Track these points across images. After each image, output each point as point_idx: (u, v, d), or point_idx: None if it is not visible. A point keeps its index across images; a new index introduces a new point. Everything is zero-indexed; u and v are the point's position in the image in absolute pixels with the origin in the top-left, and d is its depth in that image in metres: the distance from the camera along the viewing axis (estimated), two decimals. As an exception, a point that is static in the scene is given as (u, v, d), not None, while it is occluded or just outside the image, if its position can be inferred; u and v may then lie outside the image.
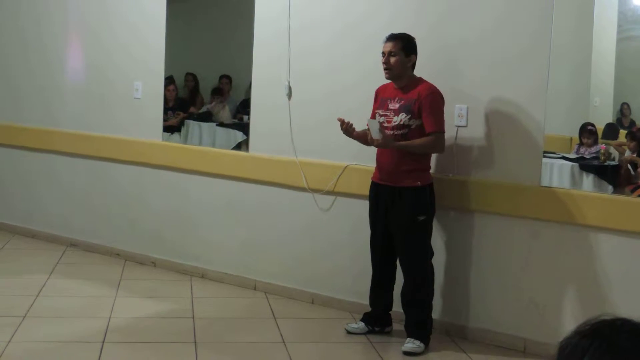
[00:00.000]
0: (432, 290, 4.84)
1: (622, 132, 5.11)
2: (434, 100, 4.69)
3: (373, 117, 4.84)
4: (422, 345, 4.73)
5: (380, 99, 4.85)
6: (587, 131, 5.08)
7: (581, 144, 5.09)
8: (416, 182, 4.70)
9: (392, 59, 4.71)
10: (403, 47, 4.71)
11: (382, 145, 4.68)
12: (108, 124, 6.64)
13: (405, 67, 4.73)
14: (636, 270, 4.49)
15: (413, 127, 4.69)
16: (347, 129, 4.79)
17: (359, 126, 4.87)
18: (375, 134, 4.64)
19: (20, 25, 7.18)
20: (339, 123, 4.81)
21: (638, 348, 0.89)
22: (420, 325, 4.78)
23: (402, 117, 4.70)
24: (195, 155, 6.16)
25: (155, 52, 6.34)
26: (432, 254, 4.83)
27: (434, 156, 4.95)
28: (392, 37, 4.74)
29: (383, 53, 4.75)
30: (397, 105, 4.74)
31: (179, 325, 5.04)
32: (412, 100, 4.69)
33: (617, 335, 0.93)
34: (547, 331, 4.68)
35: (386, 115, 4.77)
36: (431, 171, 4.85)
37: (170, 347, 4.69)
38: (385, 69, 4.74)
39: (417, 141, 4.68)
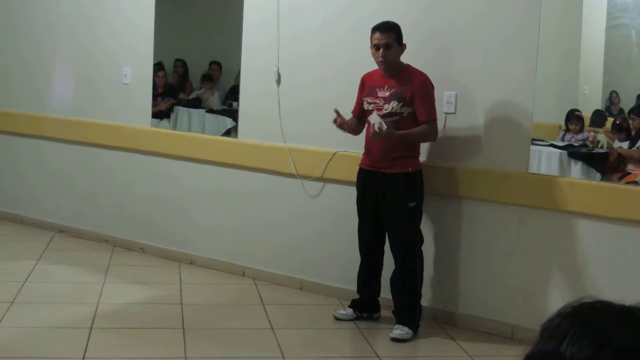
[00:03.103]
0: (422, 277, 4.85)
1: (610, 120, 5.12)
2: (426, 88, 4.70)
3: (359, 102, 4.86)
4: (410, 331, 4.74)
5: (368, 86, 4.84)
6: (575, 117, 5.09)
7: (567, 130, 5.10)
8: (407, 168, 4.71)
9: (389, 52, 4.66)
10: (397, 37, 4.69)
11: (384, 136, 4.62)
12: (97, 110, 6.61)
13: (399, 58, 4.74)
14: (623, 256, 4.52)
15: (405, 114, 4.69)
16: (341, 124, 4.80)
17: (346, 112, 4.88)
18: (377, 127, 4.57)
19: (10, 9, 7.13)
20: (329, 110, 4.81)
21: (618, 330, 0.90)
22: (409, 312, 4.79)
23: (393, 105, 4.69)
24: (184, 142, 6.14)
25: (145, 38, 6.31)
26: (422, 240, 4.85)
27: (423, 143, 4.95)
28: (384, 29, 4.67)
29: (376, 45, 4.67)
30: (387, 94, 4.73)
31: (167, 312, 5.04)
32: (404, 88, 4.68)
33: (598, 317, 0.93)
34: (534, 317, 4.70)
35: (375, 102, 4.76)
36: (420, 158, 4.85)
37: (158, 333, 4.69)
38: (381, 62, 4.69)
39: (414, 130, 4.68)
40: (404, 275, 4.79)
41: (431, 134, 4.75)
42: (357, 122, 4.90)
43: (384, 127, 4.55)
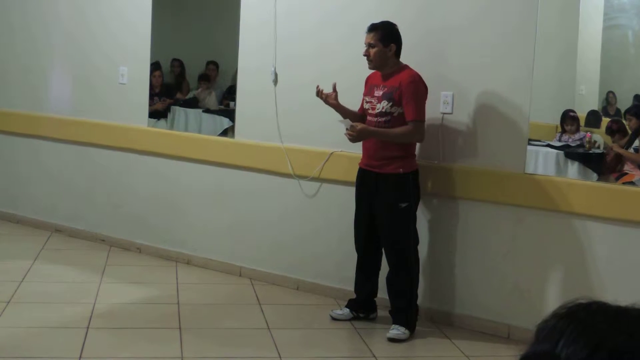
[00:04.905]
0: (417, 277, 4.85)
1: (605, 120, 5.12)
2: (414, 88, 4.68)
3: (362, 103, 4.88)
4: (407, 331, 4.74)
5: (369, 85, 4.86)
6: (569, 118, 5.10)
7: (563, 131, 5.11)
8: (398, 169, 4.71)
9: (372, 51, 4.71)
10: (381, 37, 4.70)
11: (357, 139, 4.72)
12: (94, 110, 6.60)
13: (385, 57, 4.73)
14: (620, 256, 4.52)
15: (395, 114, 4.70)
16: (326, 99, 4.83)
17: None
18: (347, 133, 4.73)
19: (7, 9, 7.12)
20: (326, 110, 4.82)
21: (613, 331, 0.90)
22: (405, 312, 4.79)
23: (384, 105, 4.71)
24: (181, 142, 6.14)
25: (142, 38, 6.30)
26: (417, 241, 4.84)
27: (418, 143, 4.96)
28: (371, 28, 4.74)
29: (365, 44, 4.75)
30: (380, 93, 4.75)
31: (164, 311, 5.04)
32: (394, 87, 4.69)
33: (593, 318, 0.93)
34: (531, 317, 4.69)
35: (371, 102, 4.79)
36: (417, 158, 4.85)
37: (155, 333, 4.68)
38: (367, 61, 4.76)
39: (395, 130, 4.69)
40: (398, 276, 4.79)
41: (415, 134, 4.71)
42: (362, 119, 4.91)
43: (350, 125, 4.65)
